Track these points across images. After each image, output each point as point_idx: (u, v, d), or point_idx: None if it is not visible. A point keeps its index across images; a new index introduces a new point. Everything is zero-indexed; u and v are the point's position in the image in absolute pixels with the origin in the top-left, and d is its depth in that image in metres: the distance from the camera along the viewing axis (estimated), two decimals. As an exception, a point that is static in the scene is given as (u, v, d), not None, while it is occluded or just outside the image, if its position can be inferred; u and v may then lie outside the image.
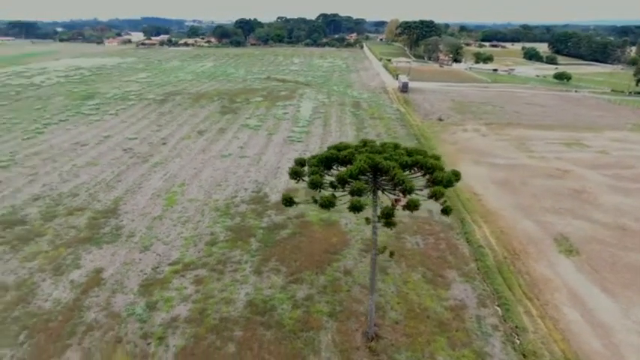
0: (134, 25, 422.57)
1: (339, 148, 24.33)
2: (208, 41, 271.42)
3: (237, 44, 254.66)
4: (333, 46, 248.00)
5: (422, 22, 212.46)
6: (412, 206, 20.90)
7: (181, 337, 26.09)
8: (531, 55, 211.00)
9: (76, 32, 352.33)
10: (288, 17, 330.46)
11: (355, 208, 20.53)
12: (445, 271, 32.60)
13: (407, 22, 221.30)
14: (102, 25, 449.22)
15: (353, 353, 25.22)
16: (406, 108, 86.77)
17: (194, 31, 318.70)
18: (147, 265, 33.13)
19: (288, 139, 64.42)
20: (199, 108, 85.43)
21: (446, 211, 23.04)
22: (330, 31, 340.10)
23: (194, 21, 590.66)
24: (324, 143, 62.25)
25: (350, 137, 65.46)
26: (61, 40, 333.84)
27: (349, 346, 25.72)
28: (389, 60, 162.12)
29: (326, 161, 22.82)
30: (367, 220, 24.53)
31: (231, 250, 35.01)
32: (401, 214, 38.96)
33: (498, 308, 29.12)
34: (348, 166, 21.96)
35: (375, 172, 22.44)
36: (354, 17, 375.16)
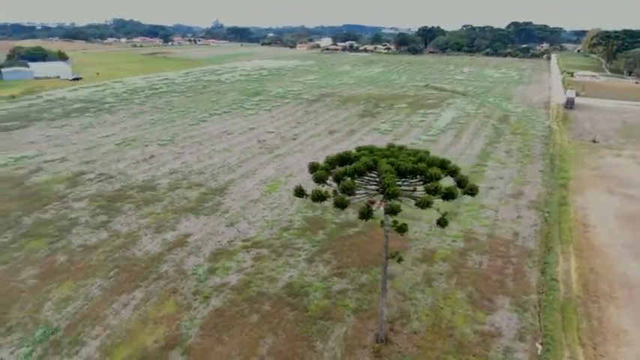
0: (335, 31, 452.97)
1: (359, 149, 25.23)
2: (388, 48, 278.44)
3: (415, 52, 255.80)
4: (515, 56, 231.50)
5: (625, 31, 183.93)
6: (392, 211, 20.92)
7: (221, 300, 30.03)
8: None
9: (276, 37, 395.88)
10: (474, 25, 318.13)
11: (338, 205, 21.45)
12: (496, 296, 30.34)
13: (606, 32, 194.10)
14: (306, 31, 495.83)
15: (357, 350, 25.91)
16: (560, 126, 78.22)
17: (377, 38, 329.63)
18: (225, 237, 38.14)
19: (410, 146, 64.37)
20: (343, 110, 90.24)
21: (441, 223, 22.26)
22: (520, 40, 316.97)
23: (392, 28, 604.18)
24: (445, 153, 60.77)
25: (475, 150, 62.56)
26: (263, 44, 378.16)
27: (357, 342, 26.44)
28: (570, 74, 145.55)
29: (337, 161, 23.97)
30: (381, 223, 24.90)
31: (297, 238, 37.96)
32: (480, 232, 37.25)
33: (539, 346, 26.28)
34: (347, 165, 22.80)
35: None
36: (551, 26, 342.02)
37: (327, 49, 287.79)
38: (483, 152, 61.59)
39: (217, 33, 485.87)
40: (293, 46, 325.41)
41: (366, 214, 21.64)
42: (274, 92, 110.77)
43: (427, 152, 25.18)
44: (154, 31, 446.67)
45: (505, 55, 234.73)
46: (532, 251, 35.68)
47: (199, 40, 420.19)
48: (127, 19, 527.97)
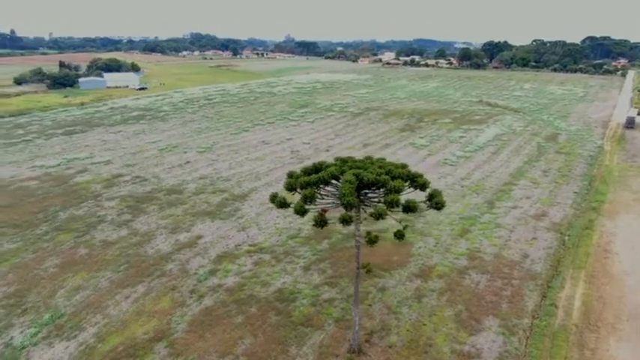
0: (405, 45, 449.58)
1: (337, 159, 25.83)
2: (450, 63, 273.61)
3: (477, 67, 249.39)
4: (586, 72, 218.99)
5: None
6: (344, 220, 21.36)
7: (213, 300, 31.52)
8: None
9: (340, 52, 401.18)
10: (546, 40, 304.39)
11: (297, 212, 22.18)
12: (486, 317, 29.47)
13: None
14: (375, 45, 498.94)
15: (330, 358, 26.29)
16: (613, 146, 73.59)
17: (441, 53, 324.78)
18: (234, 241, 39.78)
19: (442, 162, 63.56)
20: (384, 124, 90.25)
21: (397, 236, 22.38)
22: (595, 55, 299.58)
23: (464, 43, 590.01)
24: (476, 170, 59.41)
25: (510, 168, 60.47)
26: (327, 58, 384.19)
27: (331, 351, 26.80)
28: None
29: (312, 170, 24.72)
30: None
31: (301, 246, 38.84)
32: (487, 252, 36.25)
33: (518, 372, 25.34)
34: (313, 175, 23.43)
35: (358, 187, 23.25)
36: (632, 41, 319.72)
37: (388, 63, 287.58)
38: (518, 171, 59.39)
39: (286, 47, 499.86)
40: (355, 60, 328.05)
41: (319, 222, 22.13)
42: (322, 105, 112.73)
43: (404, 166, 25.39)
44: (226, 45, 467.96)
45: (575, 71, 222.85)
46: (537, 274, 34.18)
47: (267, 54, 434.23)
48: (203, 33, 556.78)
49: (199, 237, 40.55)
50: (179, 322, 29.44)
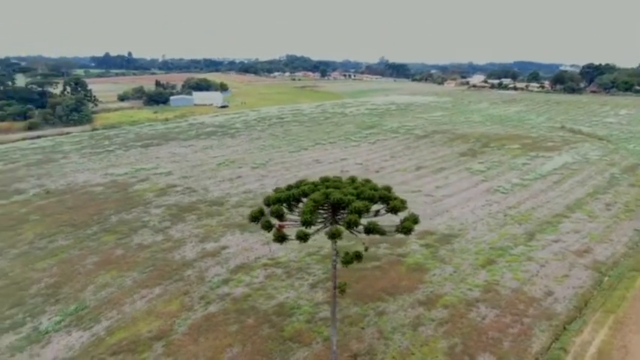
0: (505, 68, 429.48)
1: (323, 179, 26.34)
2: (542, 86, 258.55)
3: (572, 91, 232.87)
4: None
5: None
6: (301, 237, 21.79)
7: (217, 307, 33.14)
8: None
9: (427, 74, 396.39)
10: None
11: (264, 228, 23.04)
12: (482, 353, 27.90)
13: None
14: (472, 68, 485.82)
15: (307, 375, 26.53)
16: (703, 182, 65.40)
17: (534, 76, 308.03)
18: (255, 254, 41.38)
19: (493, 189, 60.74)
20: (447, 147, 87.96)
21: (355, 256, 22.32)
22: None
23: (572, 65, 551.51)
24: (528, 200, 56.06)
25: (568, 199, 56.20)
26: (413, 80, 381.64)
27: (311, 368, 27.02)
28: None
29: (290, 189, 25.45)
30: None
31: (316, 263, 39.41)
32: (506, 285, 34.31)
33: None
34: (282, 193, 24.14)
35: (333, 207, 23.70)
36: None
37: (474, 86, 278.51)
38: (577, 202, 54.99)
39: (376, 69, 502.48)
40: (441, 83, 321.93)
41: (277, 237, 22.75)
42: (388, 127, 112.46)
43: (387, 188, 25.32)
44: (317, 66, 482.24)
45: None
46: (556, 314, 31.57)
47: (354, 75, 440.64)
48: (298, 55, 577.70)
49: (224, 247, 42.63)
50: (181, 324, 31.30)
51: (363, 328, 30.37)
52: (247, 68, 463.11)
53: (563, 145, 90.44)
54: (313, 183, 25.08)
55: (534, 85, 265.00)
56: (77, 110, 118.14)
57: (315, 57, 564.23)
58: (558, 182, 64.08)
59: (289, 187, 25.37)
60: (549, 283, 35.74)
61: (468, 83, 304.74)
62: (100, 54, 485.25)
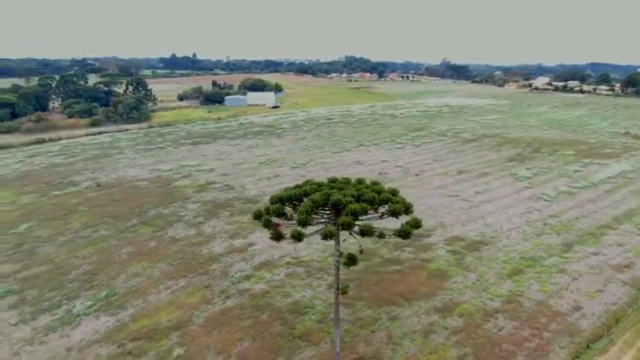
0: (578, 69, 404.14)
1: (330, 180, 26.51)
2: (612, 89, 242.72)
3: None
4: None
5: None
6: (295, 236, 22.06)
7: (235, 302, 34.15)
8: None
9: (487, 76, 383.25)
10: None
11: (264, 225, 23.55)
12: (492, 365, 26.98)
13: None
14: (541, 69, 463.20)
15: (311, 373, 26.83)
16: None
17: (604, 78, 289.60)
18: (280, 252, 42.12)
19: (537, 196, 58.06)
20: (494, 152, 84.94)
21: (347, 259, 22.27)
22: None
23: None
24: (573, 209, 53.17)
25: (618, 210, 52.66)
26: (473, 82, 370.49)
27: (316, 367, 27.30)
28: None
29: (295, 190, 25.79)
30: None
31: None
32: (531, 297, 32.95)
33: None
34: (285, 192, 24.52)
35: (335, 208, 23.91)
36: None
37: (537, 88, 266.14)
38: (627, 214, 51.46)
39: (437, 70, 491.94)
40: (502, 85, 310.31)
41: (274, 236, 23.13)
42: (437, 129, 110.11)
43: (393, 192, 25.08)
44: (375, 67, 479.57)
45: None
46: (580, 331, 29.87)
47: (412, 77, 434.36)
48: (357, 56, 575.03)
49: (252, 244, 43.69)
50: (199, 316, 32.52)
51: (373, 332, 30.19)
52: (305, 69, 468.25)
53: (623, 152, 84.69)
54: (317, 183, 25.31)
55: (603, 87, 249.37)
56: (137, 108, 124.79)
57: (376, 58, 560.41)
58: (610, 191, 60.19)
59: (296, 187, 25.74)
60: (579, 297, 33.81)
61: (530, 85, 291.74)
62: (168, 55, 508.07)
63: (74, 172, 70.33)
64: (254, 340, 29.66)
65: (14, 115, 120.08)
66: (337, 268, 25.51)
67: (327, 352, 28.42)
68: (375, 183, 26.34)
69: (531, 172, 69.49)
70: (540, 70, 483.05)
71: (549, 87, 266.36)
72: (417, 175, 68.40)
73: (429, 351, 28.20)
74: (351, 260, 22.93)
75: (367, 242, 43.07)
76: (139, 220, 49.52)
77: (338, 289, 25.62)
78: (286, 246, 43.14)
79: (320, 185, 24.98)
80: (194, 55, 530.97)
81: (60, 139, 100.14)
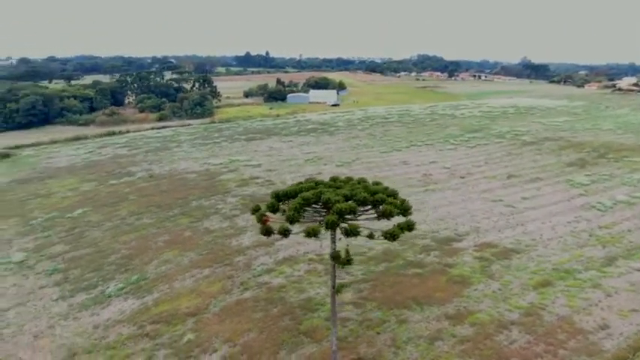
0: None
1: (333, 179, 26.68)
2: None
3: None
4: None
5: None
6: (281, 232, 22.46)
7: (251, 294, 35.33)
8: None
9: (564, 75, 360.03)
10: None
11: (258, 220, 24.20)
12: (494, 378, 25.95)
13: None
14: (633, 69, 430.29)
15: (308, 369, 27.30)
16: None
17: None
18: (305, 248, 42.78)
19: (590, 205, 54.31)
20: (553, 156, 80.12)
21: (341, 263, 22.33)
22: None
23: None
24: (629, 220, 49.26)
25: (682, 224, 48.12)
26: (550, 82, 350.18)
27: (315, 364, 27.73)
28: None
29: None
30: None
31: (358, 264, 39.41)
32: (553, 311, 31.34)
33: None
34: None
35: (327, 207, 24.16)
36: None
37: (620, 89, 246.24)
38: (691, 229, 46.85)
39: (512, 69, 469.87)
40: (581, 85, 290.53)
41: (264, 231, 23.63)
42: (496, 131, 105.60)
43: (393, 193, 24.89)
44: (447, 66, 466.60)
45: None
46: (602, 351, 27.81)
47: (484, 76, 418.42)
48: (430, 54, 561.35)
49: (278, 239, 44.52)
50: (216, 305, 33.96)
51: (378, 333, 30.00)
52: (374, 67, 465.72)
53: None
54: (315, 182, 25.61)
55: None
56: (201, 105, 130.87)
57: (449, 57, 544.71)
58: (677, 203, 54.90)
59: (297, 184, 26.18)
60: (609, 315, 31.44)
61: (613, 86, 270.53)
62: (242, 53, 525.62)
63: (133, 163, 75.32)
64: (261, 332, 30.52)
65: (92, 109, 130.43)
66: (333, 267, 25.67)
67: (328, 349, 28.57)
68: (376, 183, 26.22)
69: (590, 179, 64.93)
70: (632, 70, 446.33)
71: (635, 88, 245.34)
72: (462, 177, 66.27)
73: (432, 357, 27.60)
74: (335, 259, 22.99)
75: (393, 244, 42.67)
76: (180, 211, 52.22)
77: (334, 287, 25.77)
78: (312, 242, 43.45)
79: (317, 183, 25.25)
80: (267, 53, 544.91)
81: (128, 132, 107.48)
